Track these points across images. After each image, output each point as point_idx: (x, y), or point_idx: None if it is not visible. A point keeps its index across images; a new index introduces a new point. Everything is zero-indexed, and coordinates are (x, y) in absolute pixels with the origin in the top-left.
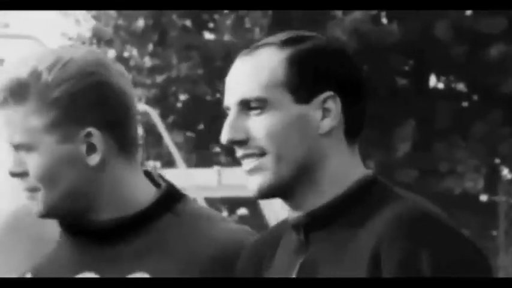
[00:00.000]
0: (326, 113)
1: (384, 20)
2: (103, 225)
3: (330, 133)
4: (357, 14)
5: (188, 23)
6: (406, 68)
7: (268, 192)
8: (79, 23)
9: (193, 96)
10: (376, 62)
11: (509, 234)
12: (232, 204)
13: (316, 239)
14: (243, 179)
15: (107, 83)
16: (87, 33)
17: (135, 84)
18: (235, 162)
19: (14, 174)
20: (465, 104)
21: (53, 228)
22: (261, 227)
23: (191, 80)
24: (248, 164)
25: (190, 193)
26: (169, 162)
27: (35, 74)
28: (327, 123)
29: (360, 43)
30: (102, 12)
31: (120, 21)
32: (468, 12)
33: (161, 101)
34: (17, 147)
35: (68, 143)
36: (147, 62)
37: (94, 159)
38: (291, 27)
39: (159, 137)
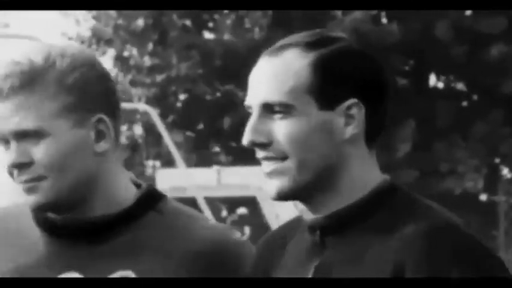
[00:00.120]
0: (349, 120)
1: (384, 20)
2: (88, 223)
3: (352, 140)
4: (357, 14)
5: (188, 22)
6: (406, 68)
7: (287, 196)
8: (79, 23)
9: (193, 95)
10: None
11: (509, 234)
12: (231, 203)
13: (332, 243)
14: (243, 179)
15: (109, 76)
16: (87, 33)
17: (135, 83)
18: (235, 161)
19: (18, 165)
20: (465, 104)
21: (30, 228)
22: (260, 226)
23: (191, 80)
24: (268, 166)
25: (190, 192)
26: (169, 162)
27: (50, 60)
28: (350, 130)
29: (360, 43)
30: (102, 12)
31: (120, 21)
32: (468, 12)
33: (161, 100)
34: (26, 134)
35: (80, 128)
36: (147, 61)
37: (102, 147)
38: (291, 27)
39: (159, 137)
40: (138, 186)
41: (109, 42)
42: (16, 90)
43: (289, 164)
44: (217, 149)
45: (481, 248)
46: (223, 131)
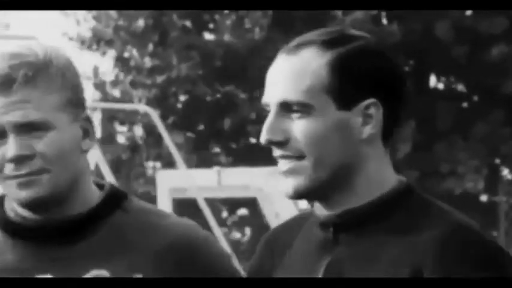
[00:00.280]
0: (367, 120)
1: (384, 21)
2: (59, 223)
3: (369, 139)
4: (357, 15)
5: (188, 23)
6: (407, 68)
7: (303, 195)
8: (79, 23)
9: (193, 96)
10: None
11: (509, 235)
12: (232, 204)
13: (345, 240)
14: (243, 180)
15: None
16: (87, 34)
17: (135, 84)
18: (235, 162)
19: (19, 158)
20: (466, 104)
21: None
22: (261, 227)
23: (191, 81)
24: (284, 164)
25: (191, 193)
26: (169, 163)
27: (48, 55)
28: (368, 130)
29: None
30: (102, 12)
31: (121, 22)
32: (469, 13)
33: (161, 101)
34: (31, 126)
35: (74, 124)
36: (147, 62)
37: (87, 144)
38: (291, 27)
39: (159, 138)
40: (99, 186)
41: (109, 43)
42: (25, 81)
43: (306, 163)
44: (217, 150)
45: (497, 248)
46: (224, 132)
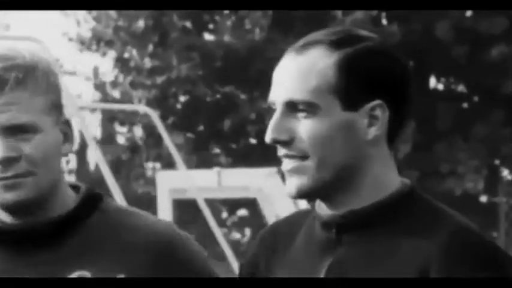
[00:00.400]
0: (373, 121)
1: (384, 21)
2: (38, 226)
3: (374, 140)
4: (357, 15)
5: (188, 24)
6: None
7: (306, 194)
8: (79, 24)
9: (193, 97)
10: None
11: (509, 235)
12: (232, 205)
13: (347, 241)
14: (243, 180)
15: None
16: (88, 34)
17: (135, 85)
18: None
19: (6, 160)
20: (466, 105)
21: None
22: (261, 227)
23: (191, 81)
24: (288, 164)
25: (191, 194)
26: (169, 164)
27: (35, 58)
28: (373, 132)
29: None
30: (102, 13)
31: (120, 22)
32: (469, 13)
33: (161, 102)
34: (19, 129)
35: (57, 126)
36: (147, 63)
37: (67, 148)
38: (291, 28)
39: (159, 138)
40: (73, 188)
41: (109, 44)
42: (16, 84)
43: (310, 163)
44: (217, 150)
45: (500, 251)
46: (224, 132)
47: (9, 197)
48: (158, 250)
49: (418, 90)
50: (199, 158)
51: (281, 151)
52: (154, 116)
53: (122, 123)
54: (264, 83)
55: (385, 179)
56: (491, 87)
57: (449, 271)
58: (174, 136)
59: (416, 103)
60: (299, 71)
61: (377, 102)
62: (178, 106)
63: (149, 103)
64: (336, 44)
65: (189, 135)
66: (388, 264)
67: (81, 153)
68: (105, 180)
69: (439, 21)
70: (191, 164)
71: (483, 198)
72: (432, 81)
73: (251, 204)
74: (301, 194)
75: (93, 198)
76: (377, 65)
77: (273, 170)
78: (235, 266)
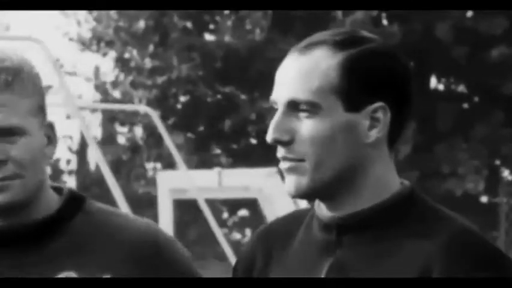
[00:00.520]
0: (374, 123)
1: (385, 22)
2: (23, 228)
3: (375, 143)
4: (358, 16)
5: (189, 24)
6: None
7: (305, 194)
8: (80, 24)
9: (194, 97)
10: None
11: (509, 235)
12: (232, 205)
13: (348, 242)
14: (243, 181)
15: None
16: (88, 34)
17: (136, 85)
18: (236, 163)
19: None
20: (466, 105)
21: None
22: None
23: (192, 81)
24: (286, 164)
25: (191, 194)
26: (169, 164)
27: (21, 61)
28: (374, 134)
29: None
30: (103, 13)
31: (121, 23)
32: (469, 13)
33: (162, 102)
34: (6, 131)
35: (42, 129)
36: (148, 63)
37: (50, 151)
38: (291, 28)
39: (160, 139)
40: (55, 190)
41: (110, 44)
42: (5, 86)
43: (306, 165)
44: (218, 150)
45: (498, 251)
46: (224, 132)
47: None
48: (144, 249)
49: (418, 91)
50: (200, 158)
51: (280, 152)
52: (155, 116)
53: (123, 124)
54: (264, 83)
55: (385, 180)
56: (491, 88)
57: (450, 273)
58: (175, 136)
59: (416, 103)
60: (302, 71)
61: (379, 104)
62: (179, 106)
63: (150, 103)
64: (339, 45)
65: (190, 135)
66: (389, 266)
67: (82, 154)
68: (106, 180)
69: (439, 22)
70: (192, 164)
71: (483, 199)
72: (432, 82)
73: (252, 204)
74: (299, 193)
75: (76, 199)
76: (380, 67)
77: (273, 170)
78: None
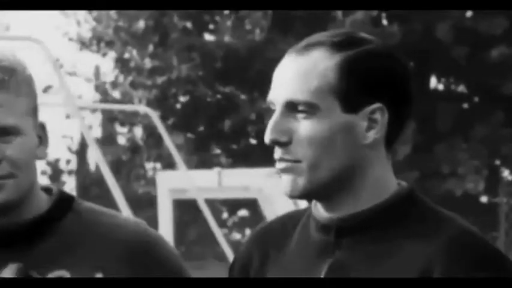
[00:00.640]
0: (372, 124)
1: (385, 22)
2: (15, 228)
3: (372, 144)
4: (357, 16)
5: (189, 24)
6: None
7: (302, 194)
8: (80, 24)
9: (194, 97)
10: None
11: (509, 236)
12: (232, 205)
13: (347, 244)
14: (243, 181)
15: None
16: (88, 34)
17: (136, 85)
18: (236, 163)
19: None
20: (466, 105)
21: None
22: None
23: (191, 82)
24: (282, 164)
25: (191, 194)
26: (169, 164)
27: (16, 61)
28: (372, 135)
29: None
30: (103, 13)
31: (121, 23)
32: (469, 14)
33: (161, 102)
34: (2, 130)
35: (35, 130)
36: (148, 63)
37: (42, 151)
38: (291, 28)
39: (160, 139)
40: (45, 190)
41: (110, 44)
42: (1, 85)
43: (302, 166)
44: (217, 151)
45: (498, 252)
46: (224, 133)
47: None
48: (134, 248)
49: (418, 91)
50: (200, 158)
51: (277, 153)
52: (155, 116)
53: (123, 124)
54: (264, 83)
55: (382, 181)
56: (491, 88)
57: (450, 273)
58: (175, 136)
59: (416, 104)
60: (300, 72)
61: (377, 105)
62: (179, 106)
63: (149, 103)
64: (337, 46)
65: (190, 135)
66: (388, 267)
67: (82, 154)
68: (106, 180)
69: (439, 22)
70: (191, 165)
71: (483, 199)
72: (432, 82)
73: (251, 204)
74: (296, 193)
75: (65, 199)
76: (378, 68)
77: (273, 170)
78: None
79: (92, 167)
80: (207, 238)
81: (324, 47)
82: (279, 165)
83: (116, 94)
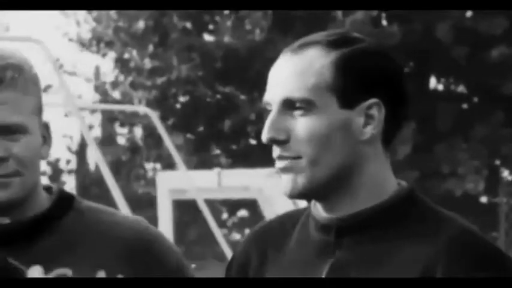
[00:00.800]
0: (369, 120)
1: (384, 22)
2: (17, 226)
3: (370, 140)
4: (357, 16)
5: (188, 24)
6: (407, 69)
7: (300, 193)
8: (79, 25)
9: (194, 97)
10: None
11: (509, 236)
12: (232, 205)
13: (347, 244)
14: (243, 181)
15: None
16: (88, 35)
17: (135, 85)
18: (235, 164)
19: None
20: (466, 105)
21: None
22: None
23: (191, 82)
24: (282, 163)
25: (191, 195)
26: (169, 164)
27: (22, 60)
28: (369, 130)
29: None
30: (102, 13)
31: (121, 23)
32: (469, 14)
33: (161, 102)
34: (8, 129)
35: (39, 130)
36: (147, 63)
37: (45, 151)
38: (291, 28)
39: (159, 139)
40: (45, 188)
41: (109, 44)
42: (11, 83)
43: (303, 163)
44: (217, 151)
45: (498, 251)
46: (224, 133)
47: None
48: (135, 246)
49: (418, 91)
50: (200, 158)
51: (276, 151)
52: (155, 116)
53: (122, 124)
54: (264, 84)
55: (381, 179)
56: (491, 88)
57: (451, 273)
58: (174, 137)
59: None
60: (296, 70)
61: (373, 100)
62: (178, 107)
63: (149, 104)
64: (332, 44)
65: (189, 136)
66: (389, 267)
67: (81, 154)
68: (105, 180)
69: (439, 22)
70: (191, 165)
71: (483, 199)
72: (432, 82)
73: (251, 204)
74: (296, 193)
75: (66, 198)
76: (373, 65)
77: (273, 170)
78: None
79: (92, 167)
80: (207, 238)
81: (319, 45)
82: (279, 163)
83: (116, 94)
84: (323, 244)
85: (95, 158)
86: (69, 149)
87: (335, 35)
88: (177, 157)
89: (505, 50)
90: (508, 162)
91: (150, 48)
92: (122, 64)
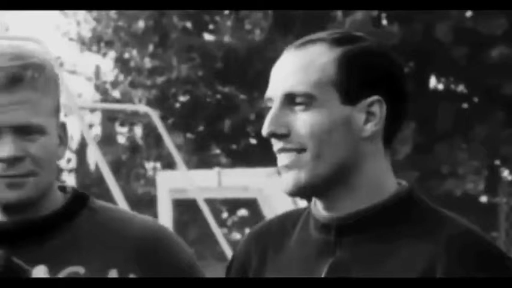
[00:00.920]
0: (370, 117)
1: (385, 22)
2: (32, 224)
3: (370, 137)
4: (357, 16)
5: (189, 24)
6: (407, 69)
7: (302, 190)
8: (79, 24)
9: (194, 97)
10: None
11: (509, 236)
12: (232, 205)
13: (347, 243)
14: (243, 180)
15: None
16: (88, 34)
17: (136, 85)
18: (235, 163)
19: (12, 159)
20: (466, 105)
21: None
22: None
23: (191, 82)
24: (285, 158)
25: (191, 194)
26: (169, 164)
27: (43, 59)
28: (370, 127)
29: None
30: (102, 13)
31: (121, 23)
32: (469, 14)
33: (161, 102)
34: (27, 129)
35: (56, 130)
36: (147, 63)
37: (62, 151)
38: (291, 28)
39: (159, 139)
40: (59, 187)
41: (109, 44)
42: (31, 82)
43: (307, 156)
44: (217, 151)
45: (499, 251)
46: (224, 132)
47: (12, 195)
48: (148, 245)
49: (418, 91)
50: (200, 158)
51: (277, 145)
52: (155, 116)
53: (122, 124)
54: (264, 84)
55: (381, 178)
56: (491, 88)
57: (452, 273)
58: (174, 136)
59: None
60: (300, 65)
61: (375, 97)
62: (178, 106)
63: (149, 103)
64: (336, 41)
65: (189, 135)
66: (390, 267)
67: (81, 153)
68: (105, 180)
69: (439, 22)
70: (191, 164)
71: (483, 199)
72: (432, 82)
73: (251, 204)
74: (297, 190)
75: (80, 197)
76: (376, 63)
77: (273, 170)
78: None
79: (92, 166)
80: (206, 238)
81: (323, 42)
82: (282, 157)
83: (116, 94)
84: (323, 243)
85: (95, 157)
86: (69, 148)
87: (339, 33)
88: (177, 156)
89: (505, 50)
90: (508, 162)
91: (150, 48)
92: (122, 64)
